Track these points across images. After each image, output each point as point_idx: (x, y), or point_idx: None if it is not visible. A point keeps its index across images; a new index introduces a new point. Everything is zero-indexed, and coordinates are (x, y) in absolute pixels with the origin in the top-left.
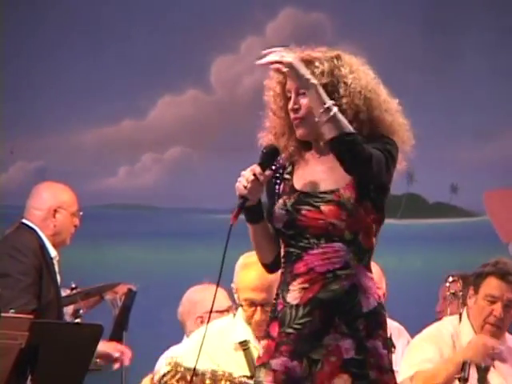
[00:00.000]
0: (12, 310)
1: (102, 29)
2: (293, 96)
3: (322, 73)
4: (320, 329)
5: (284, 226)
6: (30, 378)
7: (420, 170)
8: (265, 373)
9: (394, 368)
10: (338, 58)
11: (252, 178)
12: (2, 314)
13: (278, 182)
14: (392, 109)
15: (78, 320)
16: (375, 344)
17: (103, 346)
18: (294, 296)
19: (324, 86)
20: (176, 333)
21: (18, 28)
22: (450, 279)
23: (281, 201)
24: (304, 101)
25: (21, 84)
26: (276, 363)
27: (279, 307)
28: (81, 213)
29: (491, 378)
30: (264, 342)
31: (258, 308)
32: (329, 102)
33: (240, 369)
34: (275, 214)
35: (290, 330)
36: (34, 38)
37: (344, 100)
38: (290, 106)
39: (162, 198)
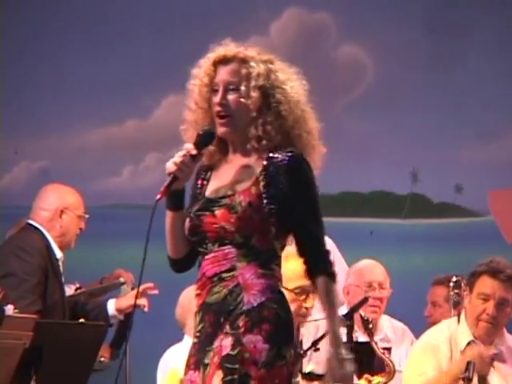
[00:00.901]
0: (16, 310)
1: (106, 29)
2: (221, 90)
3: (259, 75)
4: (210, 333)
5: (189, 234)
6: (34, 377)
7: (424, 170)
8: None
9: (398, 368)
10: (271, 62)
11: (185, 156)
12: (7, 314)
13: (199, 189)
14: (312, 125)
15: (81, 320)
16: (254, 339)
17: (124, 301)
18: (194, 304)
19: (260, 89)
20: (179, 332)
21: (20, 28)
22: (454, 279)
23: (190, 208)
24: (232, 97)
25: (25, 84)
26: (185, 379)
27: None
28: (86, 216)
29: (491, 379)
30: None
31: (310, 294)
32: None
33: None
34: (185, 222)
35: (195, 340)
36: (36, 38)
37: (283, 107)
38: (218, 99)
39: None
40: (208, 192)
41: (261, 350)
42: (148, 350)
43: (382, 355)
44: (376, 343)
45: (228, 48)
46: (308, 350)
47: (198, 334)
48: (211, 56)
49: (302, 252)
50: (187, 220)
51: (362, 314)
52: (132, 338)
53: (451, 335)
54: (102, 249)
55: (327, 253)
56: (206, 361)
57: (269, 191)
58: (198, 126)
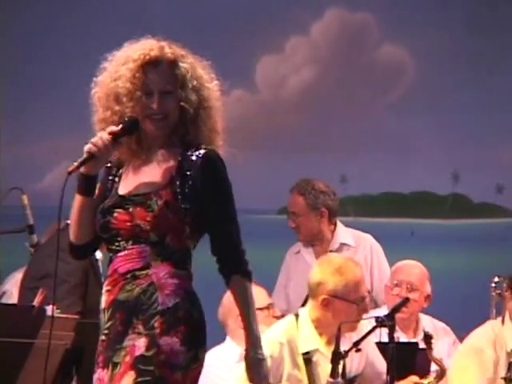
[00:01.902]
0: (58, 311)
1: (146, 29)
2: (157, 95)
3: (191, 76)
4: (121, 331)
5: (100, 230)
6: (75, 377)
7: (465, 171)
8: None
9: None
10: (187, 57)
11: (108, 136)
12: (48, 315)
13: (110, 184)
14: (220, 119)
15: None
16: (170, 341)
17: None
18: (103, 299)
19: (193, 89)
20: (219, 333)
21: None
22: (496, 279)
23: (102, 204)
24: (169, 101)
25: (63, 84)
26: (95, 377)
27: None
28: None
29: None
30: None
31: (366, 300)
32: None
33: None
34: (96, 219)
35: (103, 338)
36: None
37: (207, 103)
38: (155, 105)
39: None
40: (121, 189)
41: (177, 353)
42: None
43: (435, 359)
44: (430, 351)
45: (154, 47)
46: (349, 350)
47: (106, 332)
48: (137, 58)
49: (216, 251)
50: (99, 216)
51: (426, 330)
52: None
53: (496, 336)
54: None
55: (242, 252)
56: (116, 359)
57: (184, 190)
58: (122, 118)
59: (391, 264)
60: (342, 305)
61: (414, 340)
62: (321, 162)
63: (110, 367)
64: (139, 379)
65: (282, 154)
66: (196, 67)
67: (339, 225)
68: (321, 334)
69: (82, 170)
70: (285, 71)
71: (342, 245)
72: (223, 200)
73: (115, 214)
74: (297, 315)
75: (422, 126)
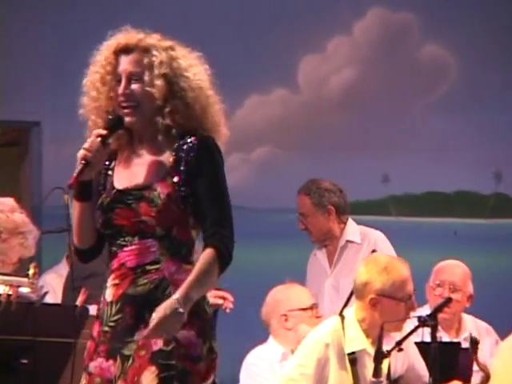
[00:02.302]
0: None
1: (189, 29)
2: (124, 80)
3: (161, 63)
4: (131, 325)
5: (101, 226)
6: None
7: (508, 170)
8: (83, 377)
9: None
10: (172, 48)
11: (97, 140)
12: (91, 314)
13: (102, 177)
14: (217, 108)
15: None
16: (187, 334)
17: None
18: (109, 293)
19: (164, 77)
20: (262, 332)
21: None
22: None
23: (100, 200)
24: (135, 86)
25: None
26: (93, 365)
27: (101, 306)
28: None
29: None
30: (89, 343)
31: (413, 298)
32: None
33: None
34: (95, 214)
35: (106, 329)
36: None
37: (189, 94)
38: (121, 90)
39: (249, 198)
40: (118, 183)
41: (196, 345)
42: (231, 351)
43: (480, 364)
44: (476, 356)
45: (129, 36)
46: (392, 350)
47: (112, 324)
48: (112, 44)
49: (205, 230)
50: (98, 212)
51: (473, 335)
52: (217, 338)
53: None
54: None
55: (230, 239)
56: (127, 352)
57: (182, 178)
58: (100, 112)
59: (434, 264)
60: (390, 303)
61: (456, 340)
62: (363, 162)
63: (119, 359)
64: (162, 374)
65: (323, 154)
66: (177, 58)
67: (349, 223)
68: (367, 335)
69: (70, 182)
70: (327, 71)
71: (348, 242)
72: (217, 186)
73: (117, 210)
74: (342, 316)
75: (464, 125)
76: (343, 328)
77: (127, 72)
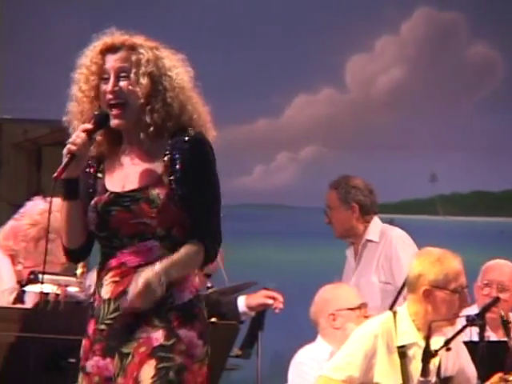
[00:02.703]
0: None
1: (239, 30)
2: (112, 77)
3: (148, 61)
4: (131, 322)
5: (96, 229)
6: None
7: None
8: (82, 377)
9: None
10: (157, 48)
11: (83, 134)
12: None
13: (91, 179)
14: (201, 110)
15: (213, 319)
16: (188, 334)
17: (254, 299)
18: (106, 290)
19: (149, 75)
20: (310, 332)
21: None
22: None
23: (92, 202)
24: (124, 84)
25: None
26: (89, 365)
27: (96, 304)
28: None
29: None
30: (84, 342)
31: (465, 290)
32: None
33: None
34: (88, 216)
35: (103, 327)
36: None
37: (169, 94)
38: (110, 87)
39: (297, 197)
40: (110, 185)
41: (196, 346)
42: (280, 350)
43: None
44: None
45: (114, 36)
46: (440, 349)
47: (108, 322)
48: (98, 44)
49: (193, 227)
50: (93, 215)
51: (502, 314)
52: (264, 337)
53: None
54: (232, 248)
55: (217, 239)
56: (126, 350)
57: (176, 177)
58: (84, 116)
59: (480, 263)
60: (443, 295)
61: (504, 339)
62: (410, 161)
63: (117, 357)
64: (160, 365)
65: (370, 153)
66: (161, 58)
67: (373, 222)
68: (419, 329)
69: (64, 174)
70: (374, 70)
71: (367, 241)
72: (208, 182)
73: (113, 213)
74: (394, 312)
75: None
76: (395, 322)
77: (115, 68)
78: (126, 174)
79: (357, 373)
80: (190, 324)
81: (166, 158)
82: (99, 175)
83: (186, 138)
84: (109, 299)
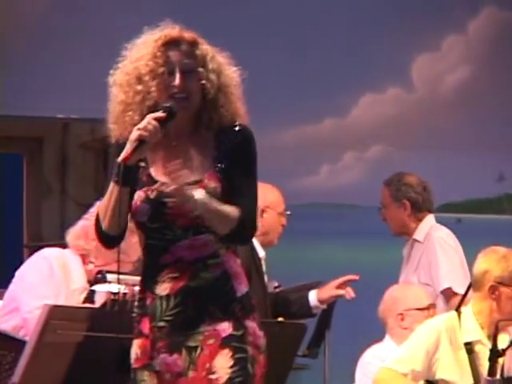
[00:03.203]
0: None
1: (301, 29)
2: (178, 72)
3: (212, 57)
4: (194, 317)
5: (149, 220)
6: None
7: None
8: (149, 376)
9: None
10: (205, 45)
11: (154, 122)
12: None
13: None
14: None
15: (280, 319)
16: (252, 324)
17: (325, 292)
18: (163, 287)
19: (215, 71)
20: (378, 331)
21: None
22: None
23: (140, 193)
24: (190, 79)
25: None
26: (157, 363)
27: (148, 302)
28: (288, 212)
29: None
30: (138, 342)
31: None
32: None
33: (461, 377)
34: (136, 207)
35: (162, 324)
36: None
37: (229, 89)
38: (177, 81)
39: (364, 197)
40: (159, 176)
41: (259, 337)
42: (348, 350)
43: None
44: None
45: (176, 30)
46: (507, 348)
47: (168, 318)
48: (157, 38)
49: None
50: (145, 206)
51: None
52: (331, 336)
53: None
54: (299, 247)
55: (254, 221)
56: (192, 344)
57: (226, 169)
58: (142, 107)
59: None
60: (509, 292)
61: None
62: (477, 161)
63: (185, 352)
64: (237, 355)
65: (437, 152)
66: (215, 52)
67: (425, 220)
68: (483, 328)
69: (130, 160)
70: (441, 70)
71: (414, 240)
72: (252, 176)
73: (170, 204)
74: (459, 311)
75: None
76: (459, 320)
77: (181, 64)
78: (176, 165)
79: (419, 367)
80: (252, 315)
81: (214, 151)
82: (142, 164)
83: (237, 129)
84: (167, 295)
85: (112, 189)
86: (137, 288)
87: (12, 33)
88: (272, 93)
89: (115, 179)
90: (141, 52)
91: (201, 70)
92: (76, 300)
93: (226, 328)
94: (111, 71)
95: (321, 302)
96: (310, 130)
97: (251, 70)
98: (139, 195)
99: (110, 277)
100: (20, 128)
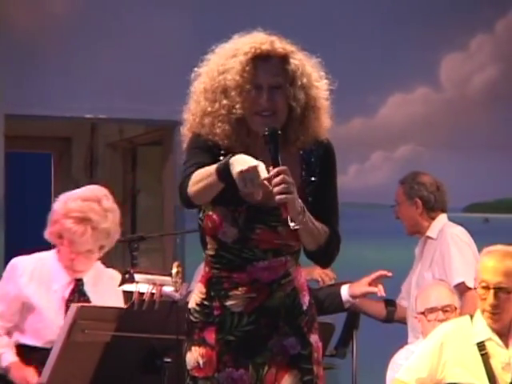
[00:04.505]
0: None
1: (329, 29)
2: (266, 90)
3: (302, 73)
4: (264, 334)
5: (233, 242)
6: None
7: None
8: None
9: None
10: (297, 54)
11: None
12: None
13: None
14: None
15: None
16: (315, 338)
17: (358, 288)
18: (236, 303)
19: (303, 88)
20: (407, 331)
21: None
22: None
23: (224, 210)
24: (277, 97)
25: None
26: (222, 377)
27: (216, 312)
28: None
29: None
30: (201, 350)
31: (491, 291)
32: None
33: (476, 378)
34: (222, 228)
35: (231, 338)
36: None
37: (317, 103)
38: (265, 99)
39: (392, 197)
40: (245, 196)
41: (320, 349)
42: (379, 351)
43: None
44: None
45: (265, 41)
46: None
47: (239, 334)
48: (248, 51)
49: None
50: (233, 231)
51: None
52: (360, 336)
53: None
54: None
55: (338, 244)
56: (260, 360)
57: (310, 188)
58: (228, 119)
59: None
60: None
61: None
62: (506, 160)
63: (252, 368)
64: (306, 378)
65: (467, 152)
66: (305, 64)
67: (438, 218)
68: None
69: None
70: (470, 69)
71: (427, 238)
72: (335, 191)
73: (257, 231)
74: (471, 315)
75: None
76: (472, 322)
77: (269, 82)
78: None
79: (425, 373)
80: (314, 327)
81: (300, 171)
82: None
83: (320, 149)
84: (240, 313)
85: (212, 172)
86: (165, 288)
87: (41, 33)
88: None
89: (220, 170)
90: (229, 63)
91: (288, 87)
92: (58, 296)
93: (293, 345)
94: (195, 69)
95: (353, 297)
96: (339, 130)
97: None
98: (223, 212)
99: (137, 277)
100: (49, 128)
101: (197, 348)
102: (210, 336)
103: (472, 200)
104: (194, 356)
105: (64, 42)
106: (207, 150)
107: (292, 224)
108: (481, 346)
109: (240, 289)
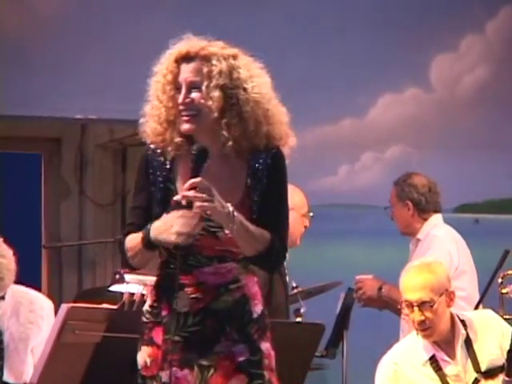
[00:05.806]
0: None
1: (320, 28)
2: (184, 90)
3: (220, 73)
4: (210, 337)
5: (174, 249)
6: None
7: None
8: None
9: None
10: (235, 57)
11: (196, 222)
12: None
13: (162, 190)
14: (282, 118)
15: (299, 319)
16: (267, 346)
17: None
18: (182, 303)
19: (221, 88)
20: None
21: None
22: None
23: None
24: (195, 96)
25: None
26: (166, 375)
27: (164, 312)
28: (311, 214)
29: None
30: (149, 350)
31: (415, 309)
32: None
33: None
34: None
35: (178, 338)
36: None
37: (245, 108)
38: (181, 99)
39: (382, 198)
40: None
41: (273, 357)
42: (366, 350)
43: None
44: None
45: (191, 44)
46: None
47: (185, 334)
48: (173, 53)
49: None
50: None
51: None
52: (349, 336)
53: None
54: (318, 248)
55: (284, 251)
56: (206, 363)
57: (255, 196)
58: (161, 120)
59: None
60: None
61: None
62: (496, 161)
63: (197, 369)
64: (255, 382)
65: (457, 153)
66: (237, 68)
67: (429, 220)
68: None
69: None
70: (460, 70)
71: (417, 240)
72: (282, 199)
73: (198, 237)
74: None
75: None
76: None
77: (187, 81)
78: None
79: None
80: (266, 335)
81: (245, 178)
82: (170, 186)
83: (268, 156)
84: (186, 313)
85: (139, 241)
86: None
87: (31, 34)
88: (290, 93)
89: (145, 243)
90: (159, 67)
91: (203, 87)
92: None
93: (242, 351)
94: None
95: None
96: (329, 131)
97: (269, 71)
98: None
99: (128, 277)
100: (39, 128)
101: (145, 348)
102: (158, 336)
103: (462, 201)
104: (143, 356)
105: (54, 42)
106: (144, 186)
107: (226, 231)
108: (433, 363)
109: (186, 289)
